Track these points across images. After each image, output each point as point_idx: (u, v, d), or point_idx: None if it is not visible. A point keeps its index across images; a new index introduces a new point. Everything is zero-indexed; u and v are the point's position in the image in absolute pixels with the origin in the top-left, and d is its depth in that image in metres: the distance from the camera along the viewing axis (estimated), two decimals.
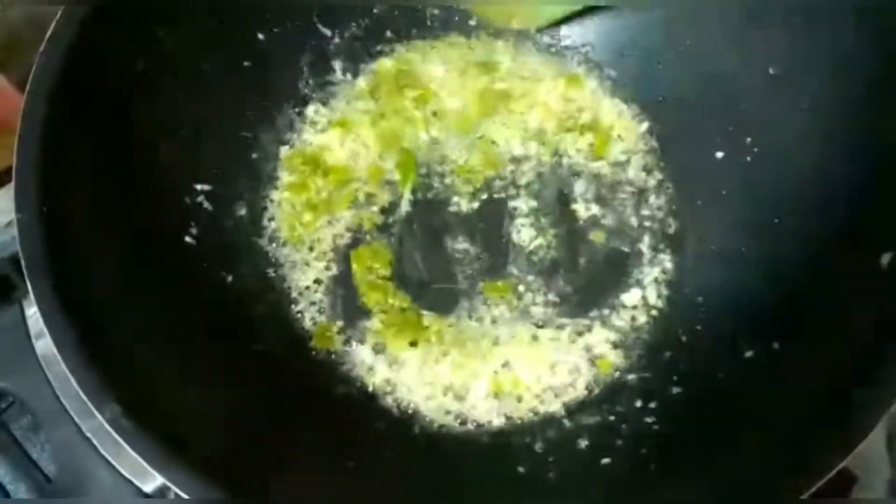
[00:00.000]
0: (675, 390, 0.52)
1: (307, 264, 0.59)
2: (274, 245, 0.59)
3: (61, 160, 0.45)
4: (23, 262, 0.41)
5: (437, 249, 0.60)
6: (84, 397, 0.38)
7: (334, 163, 0.62)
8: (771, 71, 0.56)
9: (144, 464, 0.37)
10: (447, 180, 0.62)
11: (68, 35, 0.47)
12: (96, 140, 0.48)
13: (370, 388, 0.55)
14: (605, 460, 0.49)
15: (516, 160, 0.63)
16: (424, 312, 0.58)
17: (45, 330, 0.40)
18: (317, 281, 0.58)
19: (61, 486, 0.43)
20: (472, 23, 0.68)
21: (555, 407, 0.54)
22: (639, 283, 0.59)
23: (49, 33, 0.47)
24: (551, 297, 0.58)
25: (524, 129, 0.64)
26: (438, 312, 0.58)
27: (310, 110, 0.64)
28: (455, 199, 0.61)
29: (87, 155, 0.47)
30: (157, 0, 0.52)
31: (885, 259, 0.44)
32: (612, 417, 0.53)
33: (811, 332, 0.48)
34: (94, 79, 0.48)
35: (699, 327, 0.55)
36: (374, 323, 0.57)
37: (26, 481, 0.51)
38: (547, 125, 0.64)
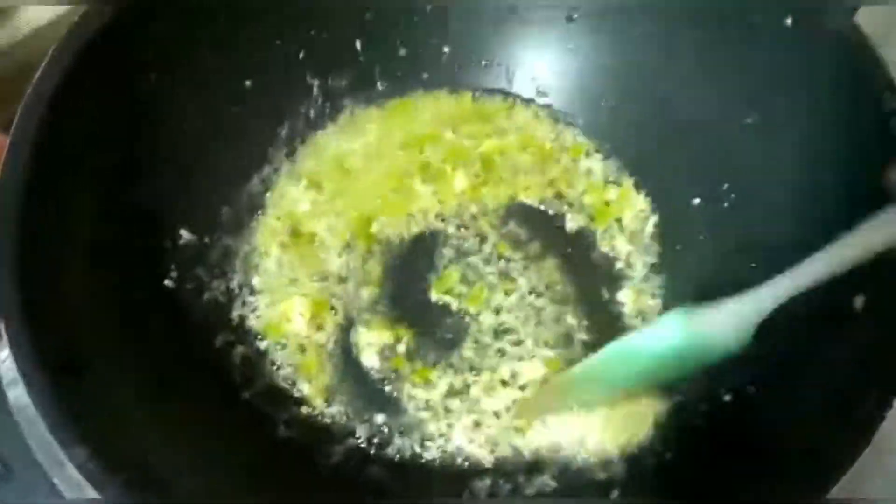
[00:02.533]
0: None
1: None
2: (252, 294, 0.59)
3: (42, 207, 0.45)
4: None
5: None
6: (52, 440, 0.38)
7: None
8: (748, 120, 0.57)
9: None
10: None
11: (56, 75, 0.47)
12: (78, 186, 0.48)
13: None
14: None
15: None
16: None
17: (18, 375, 0.40)
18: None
19: None
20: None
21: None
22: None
23: (36, 76, 0.47)
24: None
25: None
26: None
27: (294, 159, 0.64)
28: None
29: (69, 200, 0.47)
30: (147, 48, 0.53)
31: (858, 302, 0.45)
32: None
33: (788, 377, 0.48)
34: (79, 120, 0.48)
35: None
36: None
37: None
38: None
